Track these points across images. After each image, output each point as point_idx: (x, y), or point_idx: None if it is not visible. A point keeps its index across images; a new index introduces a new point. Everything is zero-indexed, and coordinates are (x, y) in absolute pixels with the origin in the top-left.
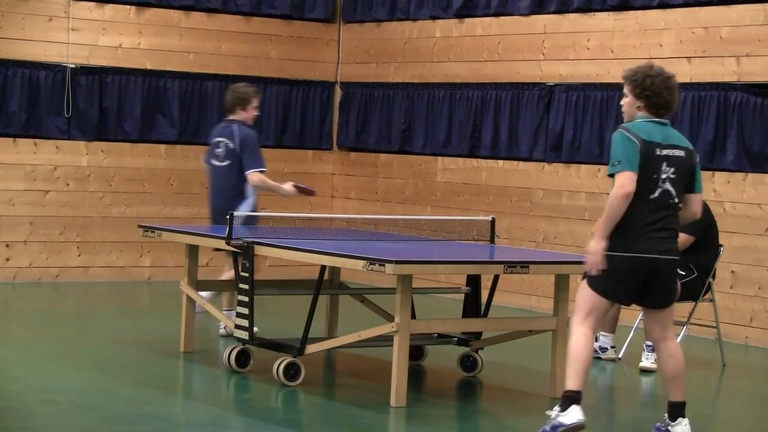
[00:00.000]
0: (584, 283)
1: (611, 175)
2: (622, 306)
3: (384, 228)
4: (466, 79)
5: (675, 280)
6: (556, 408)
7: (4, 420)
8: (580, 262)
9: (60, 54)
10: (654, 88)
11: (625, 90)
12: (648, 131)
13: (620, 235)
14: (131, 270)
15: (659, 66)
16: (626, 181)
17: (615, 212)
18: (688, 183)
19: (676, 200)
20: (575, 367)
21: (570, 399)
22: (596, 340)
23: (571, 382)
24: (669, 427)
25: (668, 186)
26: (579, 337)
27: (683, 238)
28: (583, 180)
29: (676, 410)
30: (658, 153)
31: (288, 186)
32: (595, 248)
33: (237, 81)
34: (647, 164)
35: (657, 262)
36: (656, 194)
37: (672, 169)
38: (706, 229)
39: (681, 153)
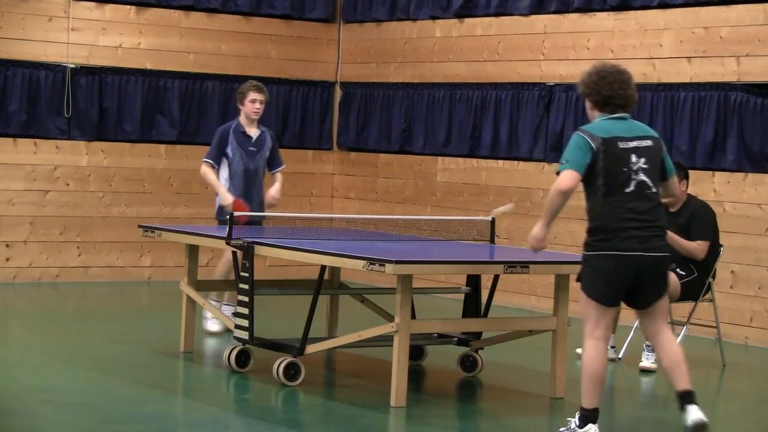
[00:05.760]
0: (581, 291)
1: (558, 173)
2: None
3: (384, 228)
4: (466, 79)
5: (665, 278)
6: (575, 421)
7: (4, 420)
8: (579, 262)
9: (60, 54)
10: (593, 86)
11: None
12: (606, 129)
13: (602, 233)
14: (131, 270)
15: (609, 64)
16: (566, 178)
17: (553, 206)
18: (661, 171)
19: (654, 190)
20: (588, 385)
21: (586, 418)
22: None
23: (586, 400)
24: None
25: (642, 176)
26: (589, 352)
27: (701, 245)
28: None
29: (685, 399)
30: (623, 146)
31: (228, 198)
32: (537, 233)
33: (237, 81)
34: (614, 159)
35: (644, 260)
36: (632, 187)
37: (643, 160)
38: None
39: (649, 143)
